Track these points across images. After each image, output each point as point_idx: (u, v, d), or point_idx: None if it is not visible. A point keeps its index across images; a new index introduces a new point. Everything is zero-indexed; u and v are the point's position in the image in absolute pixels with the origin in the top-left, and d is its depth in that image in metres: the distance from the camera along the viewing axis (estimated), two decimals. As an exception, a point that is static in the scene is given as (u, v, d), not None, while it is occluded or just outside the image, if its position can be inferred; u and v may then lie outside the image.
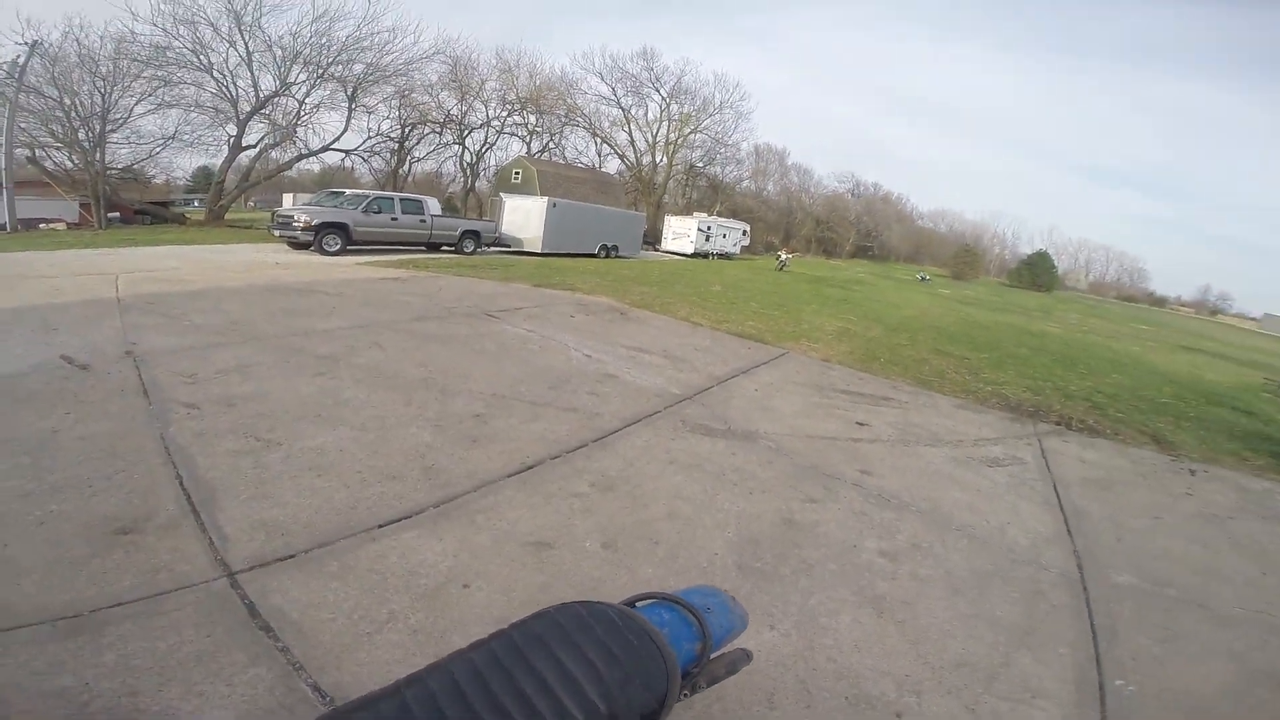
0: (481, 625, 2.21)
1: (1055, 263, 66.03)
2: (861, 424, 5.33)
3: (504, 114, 39.41)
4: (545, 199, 19.26)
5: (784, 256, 29.62)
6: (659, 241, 32.95)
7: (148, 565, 2.39)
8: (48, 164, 23.97)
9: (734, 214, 45.35)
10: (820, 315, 11.97)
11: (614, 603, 1.13)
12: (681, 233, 31.45)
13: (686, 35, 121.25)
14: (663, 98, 44.30)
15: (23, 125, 22.03)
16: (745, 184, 55.70)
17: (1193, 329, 45.05)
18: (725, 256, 33.64)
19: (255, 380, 4.53)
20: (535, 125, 41.59)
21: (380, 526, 2.81)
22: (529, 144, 41.49)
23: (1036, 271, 59.99)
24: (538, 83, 39.87)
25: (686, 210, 41.44)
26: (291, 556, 2.53)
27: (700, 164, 48.22)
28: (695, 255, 30.52)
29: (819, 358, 7.82)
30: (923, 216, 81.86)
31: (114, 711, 1.75)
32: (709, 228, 32.34)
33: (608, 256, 21.72)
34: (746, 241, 39.26)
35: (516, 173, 33.40)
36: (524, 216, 19.15)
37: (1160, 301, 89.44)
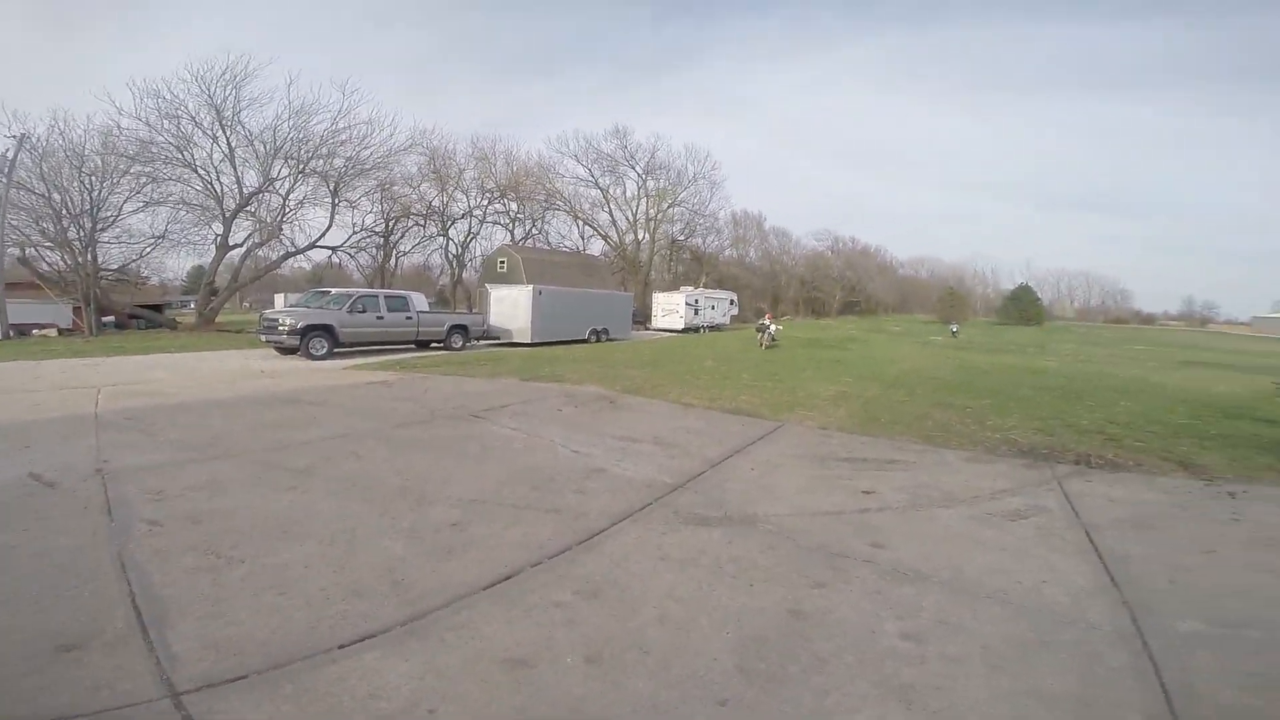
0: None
1: (1039, 295, 66.78)
2: (868, 492, 5.02)
3: (484, 203, 40.68)
4: (530, 287, 19.48)
5: (771, 328, 21.03)
6: (649, 320, 33.27)
7: (89, 682, 2.36)
8: (41, 265, 23.60)
9: (720, 284, 46.22)
10: (816, 380, 11.79)
11: None
12: (670, 309, 31.82)
13: (655, 110, 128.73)
14: (639, 174, 45.83)
15: (14, 222, 21.91)
16: (727, 252, 57.23)
17: (1188, 342, 45.24)
18: (716, 328, 33.93)
19: (226, 496, 4.51)
20: (517, 212, 42.92)
21: (341, 647, 2.67)
22: (512, 231, 42.71)
23: (1023, 306, 60.65)
24: (514, 169, 41.31)
25: (673, 285, 42.19)
26: (244, 678, 2.44)
27: (681, 237, 49.57)
28: (686, 330, 30.71)
29: (817, 426, 7.57)
30: (903, 265, 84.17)
31: None
32: (696, 301, 32.79)
33: (599, 341, 21.78)
34: (735, 310, 39.76)
35: (501, 261, 34.07)
36: (511, 306, 19.30)
37: (1149, 319, 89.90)
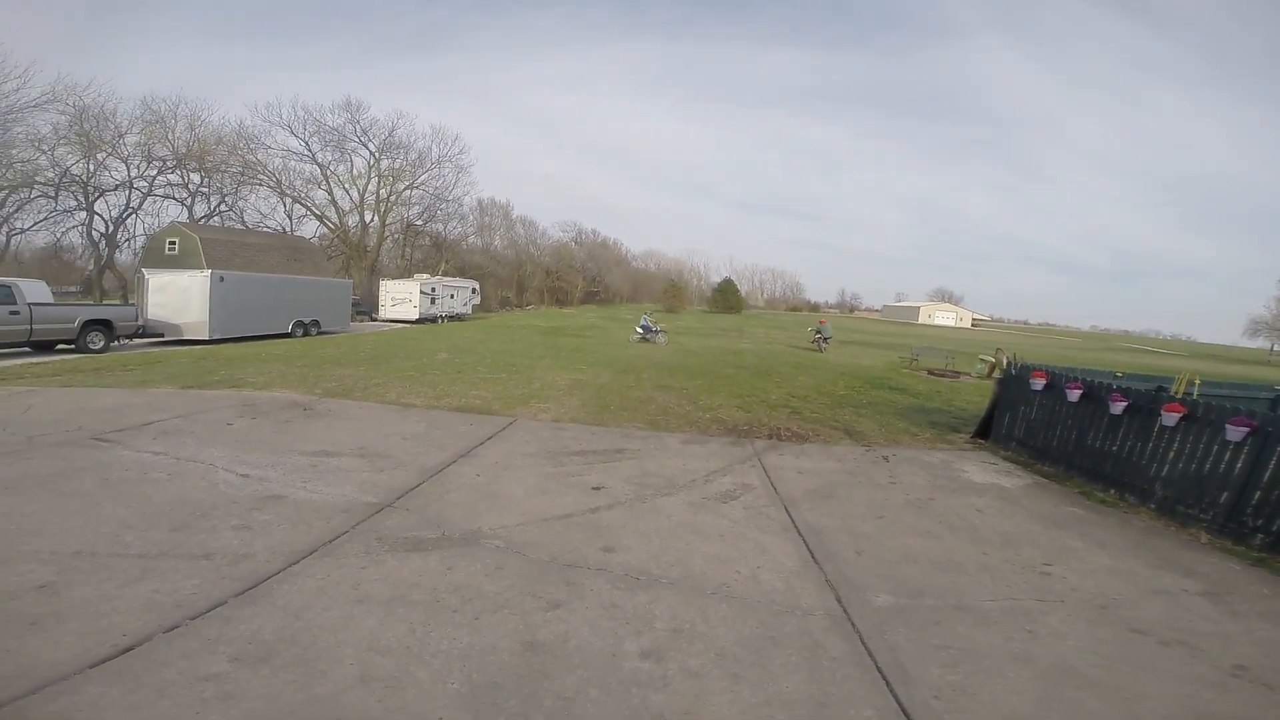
0: None
1: (739, 287, 78.13)
2: (598, 488, 4.91)
3: (152, 173, 32.49)
4: (208, 272, 15.62)
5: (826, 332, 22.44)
6: (376, 310, 30.07)
7: None
8: None
9: (462, 272, 44.02)
10: (554, 369, 11.66)
11: None
12: (402, 298, 29.15)
13: (406, 89, 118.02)
14: (371, 152, 41.19)
15: None
16: (471, 240, 54.88)
17: (842, 325, 57.72)
18: (456, 318, 32.23)
19: None
20: (200, 185, 35.06)
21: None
22: (190, 207, 34.70)
23: (727, 296, 69.90)
24: (201, 135, 33.81)
25: (408, 272, 38.81)
26: None
27: (419, 221, 45.97)
28: (422, 321, 28.51)
29: (550, 419, 7.33)
30: (636, 258, 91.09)
31: None
32: (433, 289, 30.63)
33: (306, 335, 18.69)
34: (478, 300, 38.31)
35: (172, 242, 26.55)
36: (180, 296, 15.26)
37: (815, 307, 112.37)
